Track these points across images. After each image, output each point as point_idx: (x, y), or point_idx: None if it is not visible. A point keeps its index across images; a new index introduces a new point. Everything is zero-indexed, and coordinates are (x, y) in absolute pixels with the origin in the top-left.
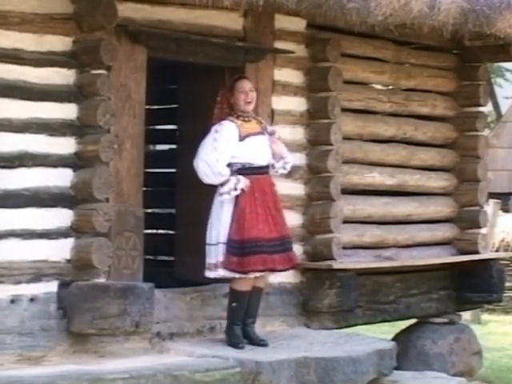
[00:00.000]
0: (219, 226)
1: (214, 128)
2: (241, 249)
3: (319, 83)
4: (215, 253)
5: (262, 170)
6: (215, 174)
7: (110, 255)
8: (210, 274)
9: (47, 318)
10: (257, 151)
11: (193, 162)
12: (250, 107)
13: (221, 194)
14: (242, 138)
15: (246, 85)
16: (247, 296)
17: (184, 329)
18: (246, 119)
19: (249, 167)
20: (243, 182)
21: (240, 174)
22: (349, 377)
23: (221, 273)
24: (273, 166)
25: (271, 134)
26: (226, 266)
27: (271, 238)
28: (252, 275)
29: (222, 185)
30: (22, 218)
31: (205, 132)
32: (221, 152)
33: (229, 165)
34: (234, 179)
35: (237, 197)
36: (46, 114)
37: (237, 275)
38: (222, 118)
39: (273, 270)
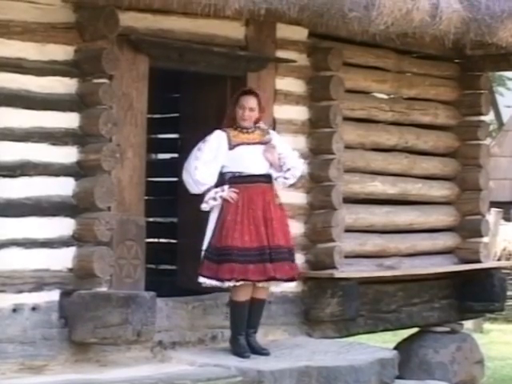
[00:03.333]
0: (207, 233)
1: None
2: (216, 256)
3: (321, 92)
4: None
5: (254, 179)
6: (195, 182)
7: (111, 264)
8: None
9: (49, 327)
10: (247, 160)
11: None
12: (246, 123)
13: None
14: (231, 147)
15: (246, 103)
16: (246, 306)
17: (186, 338)
18: (244, 130)
19: (239, 176)
20: (226, 191)
21: (232, 183)
22: None
23: (200, 280)
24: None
25: (267, 142)
26: (201, 272)
27: (249, 247)
28: (226, 284)
29: (205, 194)
30: (23, 226)
31: None
32: (202, 161)
33: (221, 174)
34: (217, 189)
35: (223, 205)
36: (48, 123)
37: (213, 282)
38: (228, 125)
39: (245, 280)
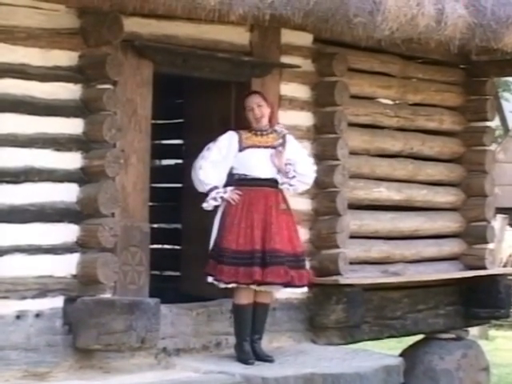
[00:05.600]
0: (212, 234)
1: None
2: (217, 256)
3: (326, 98)
4: None
5: (258, 183)
6: (199, 181)
7: (115, 270)
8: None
9: (53, 334)
10: (254, 163)
11: None
12: (262, 122)
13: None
14: (241, 149)
15: (252, 102)
16: (249, 310)
17: (190, 344)
18: (259, 133)
19: (244, 178)
20: (228, 192)
21: (237, 185)
22: None
23: (209, 279)
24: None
25: (277, 147)
26: (205, 270)
27: (241, 250)
28: (222, 285)
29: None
30: (27, 233)
31: None
32: (209, 160)
33: (231, 175)
34: (219, 189)
35: (225, 206)
36: (52, 129)
37: (214, 281)
38: (242, 128)
39: (235, 283)
